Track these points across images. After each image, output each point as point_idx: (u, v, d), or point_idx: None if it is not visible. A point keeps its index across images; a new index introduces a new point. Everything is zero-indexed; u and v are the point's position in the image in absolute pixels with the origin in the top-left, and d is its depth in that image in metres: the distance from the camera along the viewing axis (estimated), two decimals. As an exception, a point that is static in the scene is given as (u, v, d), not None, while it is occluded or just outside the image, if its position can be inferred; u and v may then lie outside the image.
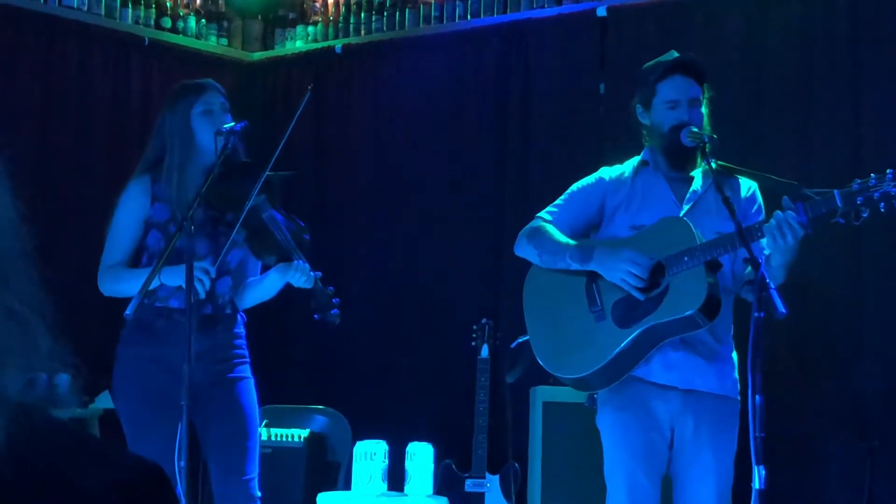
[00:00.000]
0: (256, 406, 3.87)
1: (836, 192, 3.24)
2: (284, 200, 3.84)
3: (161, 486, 1.13)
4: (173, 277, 3.60)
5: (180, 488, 3.34)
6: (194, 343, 3.59)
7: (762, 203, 3.69)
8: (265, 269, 3.87)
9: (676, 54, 3.74)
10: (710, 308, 3.42)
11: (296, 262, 3.68)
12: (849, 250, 4.95)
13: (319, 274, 3.72)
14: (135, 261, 3.78)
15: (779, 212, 3.28)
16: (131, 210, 3.79)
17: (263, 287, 3.87)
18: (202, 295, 3.59)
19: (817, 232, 3.30)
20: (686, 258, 3.42)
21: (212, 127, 3.72)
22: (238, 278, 3.88)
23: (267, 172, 3.65)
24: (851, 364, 5.00)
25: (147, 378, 3.70)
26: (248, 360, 3.89)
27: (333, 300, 3.73)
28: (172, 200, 3.73)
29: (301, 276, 3.67)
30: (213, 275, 3.61)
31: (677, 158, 3.65)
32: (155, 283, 3.61)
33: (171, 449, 3.60)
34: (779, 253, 3.31)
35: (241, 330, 3.90)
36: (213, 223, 3.80)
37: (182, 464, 3.35)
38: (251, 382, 3.88)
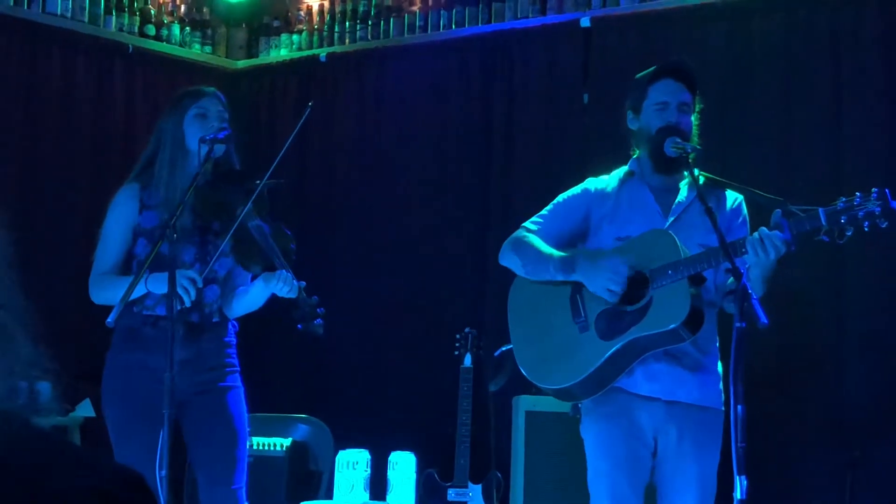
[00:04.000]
0: (245, 415, 3.86)
1: (820, 209, 3.25)
2: (270, 209, 3.83)
3: (141, 494, 1.13)
4: (159, 285, 3.58)
5: (161, 497, 3.32)
6: (180, 351, 3.60)
7: (747, 216, 3.70)
8: (254, 277, 3.85)
9: None
10: (694, 322, 3.42)
11: (279, 271, 3.66)
12: (831, 262, 4.97)
13: (303, 284, 3.69)
14: (126, 268, 3.77)
15: (764, 228, 3.29)
16: (120, 217, 3.77)
17: (251, 296, 3.85)
18: (188, 304, 3.57)
19: (800, 243, 3.31)
20: (670, 271, 3.43)
21: (205, 132, 3.71)
22: (227, 287, 3.86)
23: (261, 185, 3.64)
24: (833, 375, 5.01)
25: (134, 385, 3.68)
26: (237, 368, 3.88)
27: (318, 310, 3.69)
28: (161, 203, 3.72)
29: (284, 285, 3.64)
30: (200, 284, 3.60)
31: (663, 163, 3.65)
32: (142, 291, 3.61)
33: (155, 456, 3.59)
34: (757, 267, 3.33)
35: (231, 339, 3.88)
36: (200, 231, 3.79)
37: (163, 472, 3.34)
38: (241, 392, 3.86)
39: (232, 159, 3.83)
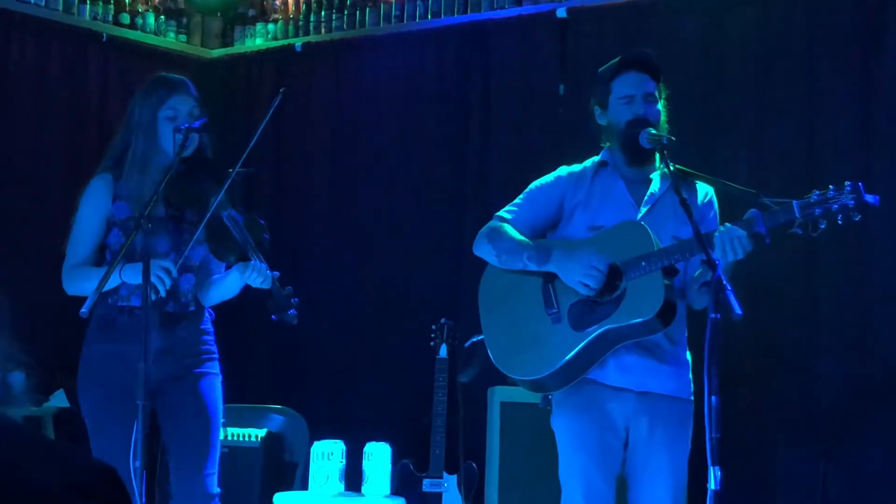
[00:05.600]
0: (220, 402, 3.86)
1: (794, 202, 3.26)
2: (244, 198, 3.83)
3: (114, 486, 1.12)
4: (134, 275, 3.58)
5: (135, 487, 3.31)
6: (157, 340, 3.64)
7: (718, 208, 3.71)
8: (228, 267, 3.85)
9: None
10: (667, 313, 3.43)
11: (252, 262, 3.66)
12: (804, 254, 4.99)
13: (277, 274, 3.70)
14: (99, 259, 3.77)
15: (736, 228, 3.30)
16: (92, 208, 3.77)
17: (226, 285, 3.85)
18: (163, 293, 3.58)
19: (774, 236, 3.32)
20: (644, 263, 3.43)
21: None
22: (202, 276, 3.86)
23: (234, 174, 3.64)
24: (806, 367, 5.04)
25: (109, 375, 3.68)
26: (215, 356, 3.88)
27: (292, 300, 3.71)
28: (133, 194, 3.71)
29: (258, 276, 3.65)
30: (175, 274, 3.61)
31: (635, 155, 3.65)
32: (117, 282, 3.61)
33: (131, 445, 3.60)
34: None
35: (207, 326, 3.89)
36: (174, 221, 3.79)
37: (137, 463, 3.33)
38: (216, 379, 3.86)
39: (205, 149, 3.83)
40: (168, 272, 3.57)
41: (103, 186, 3.77)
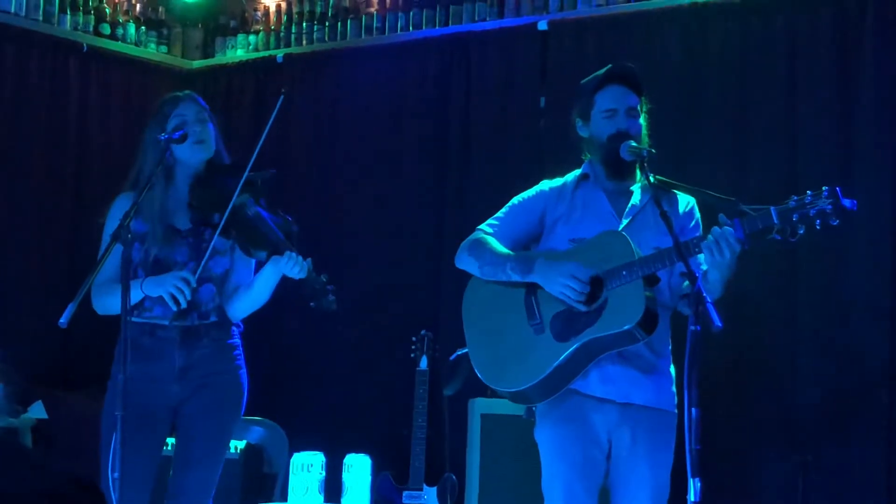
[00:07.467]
0: (232, 420, 3.85)
1: (772, 208, 3.28)
2: (270, 198, 3.86)
3: (91, 495, 1.12)
4: (154, 287, 3.61)
5: (114, 499, 3.30)
6: (178, 358, 3.70)
7: (700, 218, 3.72)
8: (258, 267, 3.83)
9: None
10: (648, 322, 3.44)
11: (287, 252, 3.65)
12: (784, 266, 5.01)
13: (310, 261, 3.70)
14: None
15: (716, 227, 3.31)
16: (115, 225, 3.77)
17: (256, 289, 3.81)
18: (184, 304, 3.60)
19: (753, 247, 3.33)
20: (624, 272, 3.44)
21: (192, 137, 3.76)
22: (226, 287, 3.84)
23: (247, 172, 3.68)
24: (786, 378, 5.06)
25: (132, 395, 3.65)
26: (238, 374, 3.85)
27: (328, 287, 3.70)
28: (148, 211, 3.74)
29: (294, 265, 3.65)
30: (194, 284, 3.61)
31: (616, 169, 3.67)
32: (140, 296, 3.64)
33: (150, 469, 3.66)
34: (716, 269, 3.35)
35: (235, 341, 3.87)
36: (194, 233, 3.78)
37: (115, 475, 3.31)
38: (235, 398, 3.85)
39: (222, 154, 3.88)
40: (187, 282, 3.58)
41: (125, 204, 3.76)
